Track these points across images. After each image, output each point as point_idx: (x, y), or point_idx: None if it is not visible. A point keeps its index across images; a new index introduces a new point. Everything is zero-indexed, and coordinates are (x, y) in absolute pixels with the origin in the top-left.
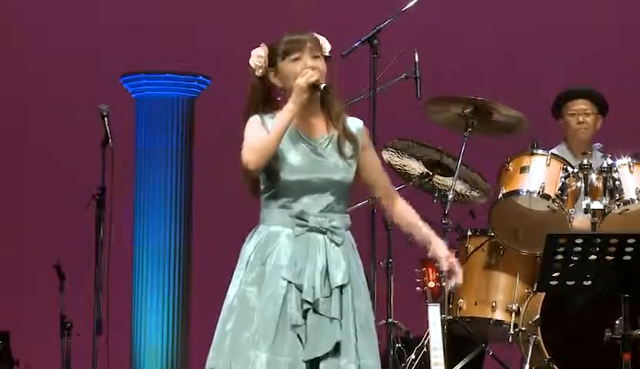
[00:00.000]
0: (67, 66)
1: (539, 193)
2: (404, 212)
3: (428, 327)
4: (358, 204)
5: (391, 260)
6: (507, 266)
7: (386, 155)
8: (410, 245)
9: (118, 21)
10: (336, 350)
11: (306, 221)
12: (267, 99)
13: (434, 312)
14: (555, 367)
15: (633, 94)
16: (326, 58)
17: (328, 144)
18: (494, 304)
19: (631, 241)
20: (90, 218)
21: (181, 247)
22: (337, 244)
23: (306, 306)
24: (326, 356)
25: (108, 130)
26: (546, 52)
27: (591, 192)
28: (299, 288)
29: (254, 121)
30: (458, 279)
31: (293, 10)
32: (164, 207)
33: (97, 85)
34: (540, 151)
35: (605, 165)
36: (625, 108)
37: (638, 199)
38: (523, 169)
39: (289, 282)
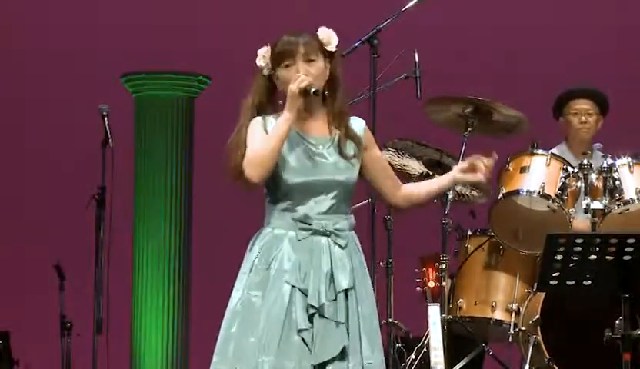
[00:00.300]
0: (67, 66)
1: (539, 193)
2: (409, 189)
3: (428, 327)
4: (358, 204)
5: (391, 260)
6: (507, 266)
7: (386, 155)
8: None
9: (118, 21)
10: (342, 353)
11: (309, 224)
12: (271, 98)
13: (434, 312)
14: (554, 367)
15: (633, 94)
16: (331, 55)
17: (329, 145)
18: (494, 303)
19: (631, 240)
20: (90, 218)
21: (181, 247)
22: (341, 247)
23: (312, 310)
24: (333, 359)
25: (108, 130)
26: (546, 52)
27: (591, 192)
28: (304, 293)
29: (255, 124)
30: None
31: (293, 10)
32: (164, 207)
33: (97, 85)
34: (540, 151)
35: (604, 165)
36: (624, 108)
37: (638, 199)
38: (523, 169)
39: (293, 286)
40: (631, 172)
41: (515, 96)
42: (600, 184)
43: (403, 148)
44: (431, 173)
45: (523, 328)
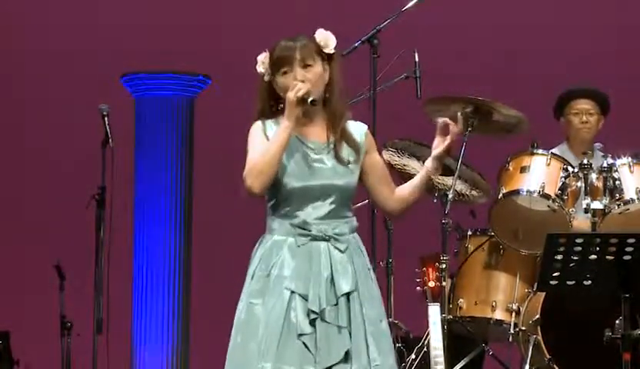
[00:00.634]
0: (67, 66)
1: (539, 193)
2: (399, 192)
3: (428, 326)
4: (358, 204)
5: (391, 260)
6: (507, 266)
7: (386, 155)
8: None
9: (118, 21)
10: (346, 356)
11: (308, 230)
12: (274, 104)
13: (434, 312)
14: (555, 366)
15: (633, 94)
16: (329, 57)
17: (327, 150)
18: (494, 303)
19: (631, 240)
20: (90, 218)
21: (181, 246)
22: (341, 251)
23: (313, 315)
24: (337, 363)
25: (108, 130)
26: (546, 52)
27: (591, 192)
28: (305, 298)
29: (255, 130)
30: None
31: (293, 10)
32: (164, 207)
33: (97, 85)
34: (540, 151)
35: (605, 165)
36: (625, 108)
37: (638, 199)
38: (523, 169)
39: (293, 292)
40: (632, 172)
41: (515, 96)
42: (600, 184)
43: (403, 148)
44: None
45: (523, 328)
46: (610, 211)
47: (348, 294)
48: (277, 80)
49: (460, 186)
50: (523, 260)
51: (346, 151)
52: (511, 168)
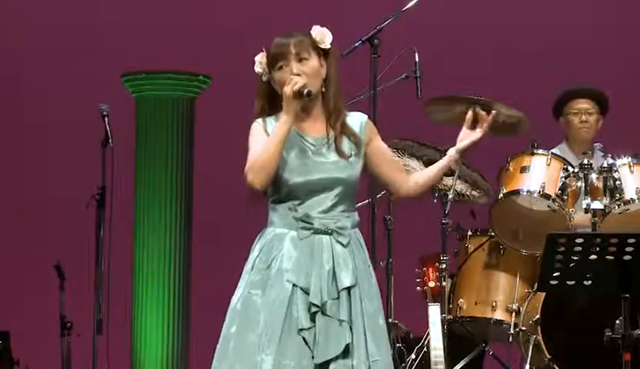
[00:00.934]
0: (67, 66)
1: (539, 193)
2: (415, 176)
3: (428, 326)
4: (358, 204)
5: (391, 260)
6: (507, 266)
7: None
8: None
9: (118, 21)
10: (346, 351)
11: (311, 223)
12: (274, 102)
13: (434, 312)
14: (555, 366)
15: (633, 94)
16: (325, 51)
17: (328, 144)
18: (494, 303)
19: (631, 240)
20: (90, 218)
21: (181, 246)
22: (343, 245)
23: (314, 309)
24: (336, 357)
25: (108, 130)
26: (546, 52)
27: (591, 192)
28: (306, 291)
29: (256, 127)
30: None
31: (293, 10)
32: (164, 207)
33: (97, 85)
34: (540, 151)
35: (605, 165)
36: (625, 108)
37: (638, 199)
38: (523, 169)
39: (294, 285)
40: (632, 172)
41: (515, 96)
42: (600, 184)
43: (403, 148)
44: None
45: (523, 328)
46: (610, 211)
47: (349, 289)
48: (274, 76)
49: (460, 186)
50: (523, 261)
51: (347, 145)
52: (511, 168)
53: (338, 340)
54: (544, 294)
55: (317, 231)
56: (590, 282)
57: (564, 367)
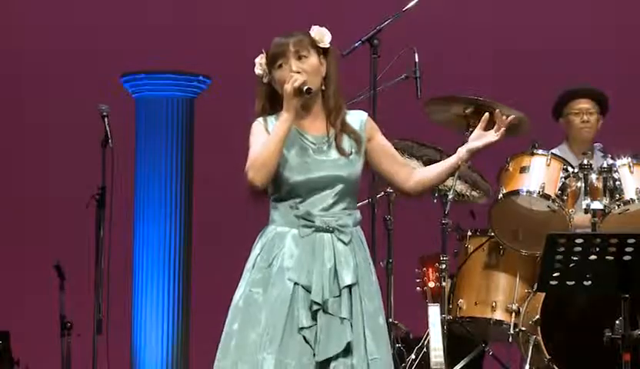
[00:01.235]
0: (67, 66)
1: (539, 193)
2: (420, 174)
3: (428, 327)
4: (358, 204)
5: (391, 260)
6: (507, 266)
7: None
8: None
9: (118, 21)
10: (347, 349)
11: (312, 221)
12: (274, 104)
13: (434, 312)
14: (554, 367)
15: (633, 94)
16: (325, 50)
17: (328, 142)
18: (494, 304)
19: (631, 240)
20: (90, 218)
21: (181, 246)
22: (344, 243)
23: (315, 307)
24: (337, 355)
25: (108, 130)
26: (546, 52)
27: (591, 192)
28: (307, 289)
29: (257, 126)
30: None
31: (293, 10)
32: (164, 207)
33: (97, 85)
34: (540, 151)
35: (605, 165)
36: (625, 107)
37: (638, 199)
38: (523, 169)
39: (296, 284)
40: (632, 172)
41: (515, 96)
42: (600, 185)
43: (403, 148)
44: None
45: (523, 328)
46: (610, 212)
47: (350, 287)
48: (274, 75)
49: (460, 186)
50: (523, 261)
51: (347, 143)
52: (511, 169)
53: (340, 338)
54: (544, 294)
55: (318, 229)
56: (590, 282)
57: (563, 368)
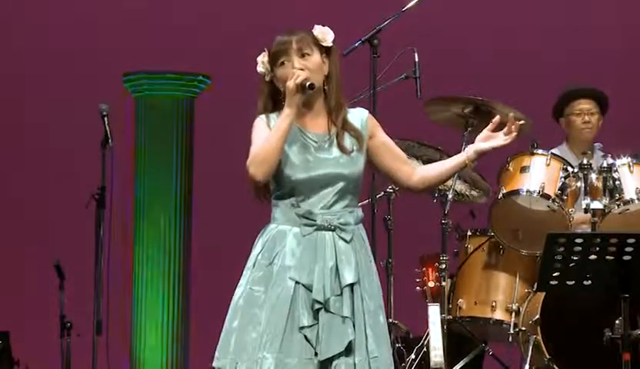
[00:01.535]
0: (67, 66)
1: (539, 193)
2: (422, 171)
3: (427, 326)
4: (358, 204)
5: (391, 260)
6: (507, 266)
7: None
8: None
9: (118, 21)
10: (349, 347)
11: (313, 220)
12: (277, 102)
13: (434, 312)
14: (554, 366)
15: (633, 94)
16: (327, 49)
17: (330, 140)
18: (494, 303)
19: (631, 240)
20: (90, 218)
21: (181, 246)
22: (346, 241)
23: (317, 306)
24: (339, 354)
25: (107, 129)
26: (546, 52)
27: (591, 192)
28: (308, 288)
29: (259, 122)
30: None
31: (293, 10)
32: (163, 207)
33: (97, 85)
34: (540, 151)
35: (604, 165)
36: (625, 107)
37: (638, 199)
38: (523, 169)
39: (297, 282)
40: (631, 172)
41: (515, 96)
42: (600, 184)
43: (403, 148)
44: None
45: (523, 328)
46: (610, 211)
47: (351, 285)
48: (276, 73)
49: (460, 186)
50: (523, 261)
51: (349, 141)
52: (511, 168)
53: (342, 337)
54: (543, 294)
55: (320, 228)
56: (590, 282)
57: (563, 367)
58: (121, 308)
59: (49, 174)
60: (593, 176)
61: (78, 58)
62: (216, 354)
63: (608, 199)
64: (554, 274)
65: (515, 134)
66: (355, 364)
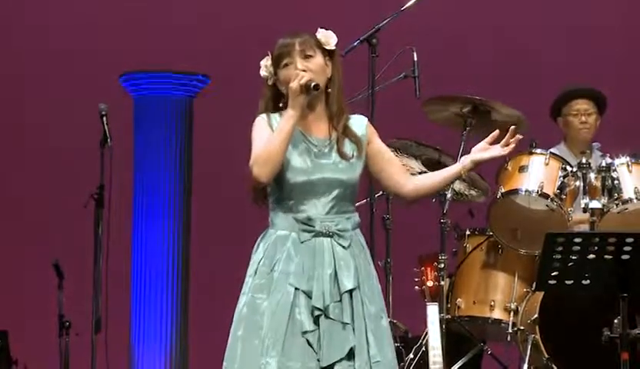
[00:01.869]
0: (66, 66)
1: (538, 192)
2: (417, 181)
3: (426, 326)
4: (357, 204)
5: (389, 259)
6: (505, 265)
7: None
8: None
9: (117, 21)
10: (349, 353)
11: (312, 226)
12: (278, 105)
13: (432, 311)
14: (553, 366)
15: (632, 93)
16: (330, 53)
17: (330, 145)
18: (492, 303)
19: (629, 240)
20: (89, 217)
21: (180, 246)
22: (344, 247)
23: (317, 312)
24: (340, 359)
25: (106, 129)
26: (546, 52)
27: (589, 191)
28: (308, 295)
29: (260, 121)
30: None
31: (293, 10)
32: (162, 206)
33: (96, 85)
34: (539, 151)
35: (603, 164)
36: (624, 107)
37: (636, 198)
38: (522, 168)
39: (296, 289)
40: (630, 172)
41: (515, 96)
42: (599, 184)
43: (402, 148)
44: (429, 173)
45: (521, 327)
46: (608, 211)
47: (350, 291)
48: (279, 75)
49: (459, 185)
50: (521, 260)
51: (348, 146)
52: (509, 168)
53: (342, 344)
54: (542, 293)
55: (318, 234)
56: (588, 281)
57: (562, 367)
58: (120, 308)
59: (48, 174)
60: (592, 175)
61: (78, 57)
62: (224, 363)
63: (606, 198)
64: (552, 274)
65: (513, 145)
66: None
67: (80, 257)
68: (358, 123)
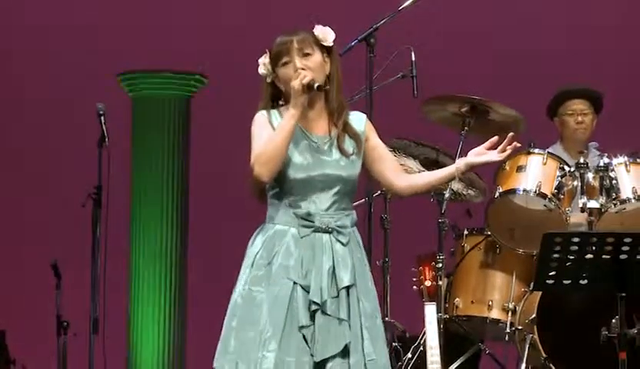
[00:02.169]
0: (64, 65)
1: (536, 192)
2: (411, 179)
3: (424, 326)
4: (355, 203)
5: (387, 259)
6: (503, 265)
7: None
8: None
9: (115, 21)
10: (344, 350)
11: (312, 221)
12: (277, 103)
13: (430, 311)
14: (551, 365)
15: (631, 93)
16: (328, 49)
17: (330, 142)
18: (490, 302)
19: (627, 240)
20: (86, 217)
21: (178, 246)
22: (342, 244)
23: (314, 307)
24: (334, 356)
25: (104, 129)
26: (546, 52)
27: (587, 191)
28: (306, 289)
29: (260, 118)
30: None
31: (292, 9)
32: (160, 206)
33: (94, 84)
34: (537, 150)
35: (601, 164)
36: (622, 107)
37: (634, 198)
38: (520, 168)
39: (295, 283)
40: (628, 171)
41: (514, 96)
42: (596, 184)
43: (400, 147)
44: (425, 172)
45: (519, 327)
46: (606, 211)
47: (347, 288)
48: (278, 73)
49: (456, 185)
50: (519, 260)
51: (348, 143)
52: (507, 167)
53: (338, 340)
54: (540, 293)
55: (317, 230)
56: (586, 281)
57: (560, 366)
58: (118, 308)
59: (46, 173)
60: (590, 175)
61: (76, 57)
62: (217, 354)
63: (604, 198)
64: (550, 274)
65: (509, 152)
66: (350, 366)
67: (78, 257)
68: (358, 119)
